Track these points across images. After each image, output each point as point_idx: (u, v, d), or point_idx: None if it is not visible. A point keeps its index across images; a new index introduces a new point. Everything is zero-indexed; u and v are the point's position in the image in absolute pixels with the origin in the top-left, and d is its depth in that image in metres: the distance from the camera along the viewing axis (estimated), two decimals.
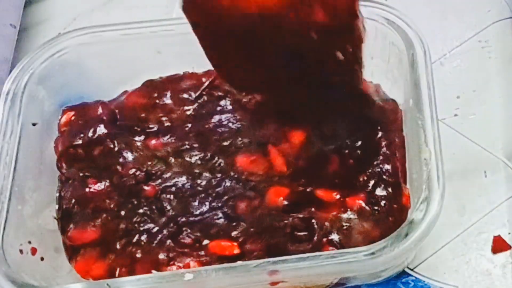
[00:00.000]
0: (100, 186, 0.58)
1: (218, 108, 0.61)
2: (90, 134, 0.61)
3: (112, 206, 0.58)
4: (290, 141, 0.59)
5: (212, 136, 0.60)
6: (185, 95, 0.62)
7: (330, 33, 0.53)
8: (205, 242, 0.56)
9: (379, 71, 0.61)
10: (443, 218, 0.51)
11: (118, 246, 0.56)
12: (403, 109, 0.60)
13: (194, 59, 0.61)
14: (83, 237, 0.57)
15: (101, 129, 0.61)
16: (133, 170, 0.59)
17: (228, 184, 0.58)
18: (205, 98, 0.62)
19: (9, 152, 0.56)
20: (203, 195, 0.57)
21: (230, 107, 0.61)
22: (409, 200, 0.56)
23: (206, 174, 0.58)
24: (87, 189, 0.58)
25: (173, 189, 0.58)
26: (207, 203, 0.57)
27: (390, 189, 0.56)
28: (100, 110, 0.62)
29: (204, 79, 0.62)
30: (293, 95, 0.58)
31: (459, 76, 0.66)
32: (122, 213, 0.57)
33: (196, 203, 0.57)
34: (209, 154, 0.59)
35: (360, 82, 0.57)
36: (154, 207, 0.57)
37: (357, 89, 0.58)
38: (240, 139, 0.59)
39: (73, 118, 0.62)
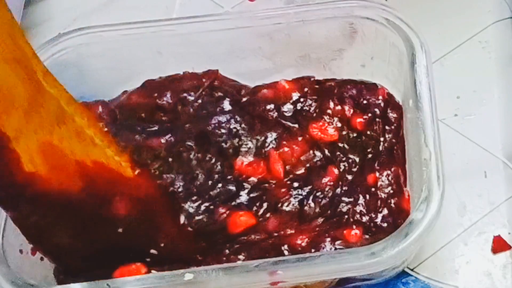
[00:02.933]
0: None
1: (218, 109, 0.61)
2: None
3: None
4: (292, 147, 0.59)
5: (212, 137, 0.60)
6: (185, 95, 0.62)
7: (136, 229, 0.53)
8: None
9: (379, 71, 0.61)
10: (443, 218, 0.51)
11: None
12: (403, 109, 0.60)
13: (194, 59, 0.61)
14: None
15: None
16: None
17: (222, 187, 0.58)
18: (205, 98, 0.62)
19: None
20: (196, 197, 0.57)
21: (230, 108, 0.61)
22: (409, 202, 0.56)
23: (203, 176, 0.58)
24: None
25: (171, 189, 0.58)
26: (201, 206, 0.57)
27: (391, 192, 0.57)
28: (100, 110, 0.62)
29: (204, 79, 0.62)
30: None
31: (459, 76, 0.66)
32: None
33: (188, 205, 0.57)
34: (208, 156, 0.59)
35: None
36: None
37: None
38: (239, 141, 0.59)
39: None
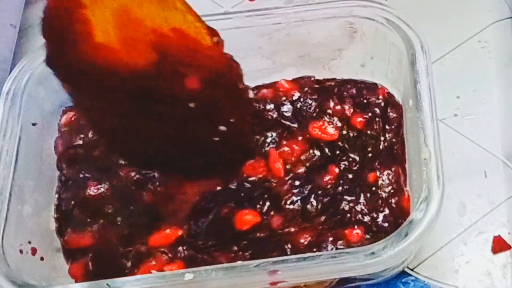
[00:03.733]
0: (100, 189, 0.58)
1: None
2: (90, 135, 0.61)
3: (110, 211, 0.58)
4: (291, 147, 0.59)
5: None
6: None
7: (207, 104, 0.51)
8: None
9: (379, 71, 0.61)
10: (443, 218, 0.51)
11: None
12: (403, 109, 0.60)
13: None
14: (79, 242, 0.57)
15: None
16: (133, 173, 0.59)
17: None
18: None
19: (9, 152, 0.56)
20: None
21: None
22: (409, 202, 0.56)
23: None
24: (87, 192, 0.58)
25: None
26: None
27: (391, 192, 0.57)
28: None
29: None
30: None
31: (459, 76, 0.66)
32: (119, 219, 0.57)
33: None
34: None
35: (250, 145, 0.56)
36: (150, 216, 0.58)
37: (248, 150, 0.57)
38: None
39: (73, 118, 0.62)
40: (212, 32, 0.49)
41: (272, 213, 0.57)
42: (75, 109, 0.53)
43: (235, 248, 0.55)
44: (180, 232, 0.56)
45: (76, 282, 0.56)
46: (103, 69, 0.48)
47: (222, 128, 0.52)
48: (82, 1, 0.45)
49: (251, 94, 0.54)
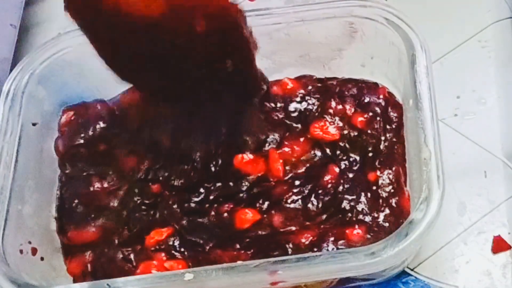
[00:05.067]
0: (104, 184, 0.59)
1: None
2: (90, 133, 0.61)
3: (115, 204, 0.58)
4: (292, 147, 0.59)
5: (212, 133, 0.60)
6: None
7: (214, 41, 0.53)
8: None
9: (379, 71, 0.61)
10: (443, 218, 0.51)
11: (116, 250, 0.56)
12: (403, 109, 0.60)
13: None
14: (82, 237, 0.57)
15: (101, 127, 0.61)
16: (135, 167, 0.59)
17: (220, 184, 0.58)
18: None
19: (9, 152, 0.56)
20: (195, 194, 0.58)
21: None
22: (409, 201, 0.56)
23: (202, 173, 0.58)
24: (91, 188, 0.58)
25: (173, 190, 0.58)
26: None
27: (392, 192, 0.57)
28: (100, 110, 0.62)
29: None
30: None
31: (459, 76, 0.66)
32: (124, 213, 0.57)
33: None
34: (211, 150, 0.59)
35: (256, 81, 0.59)
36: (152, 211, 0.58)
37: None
38: (240, 137, 0.59)
39: (73, 118, 0.62)
40: None
41: (272, 212, 0.57)
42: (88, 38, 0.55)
43: (237, 246, 0.55)
44: (182, 231, 0.56)
45: (74, 279, 0.56)
46: (118, 18, 0.51)
47: (229, 63, 0.54)
48: None
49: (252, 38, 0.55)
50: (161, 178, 0.59)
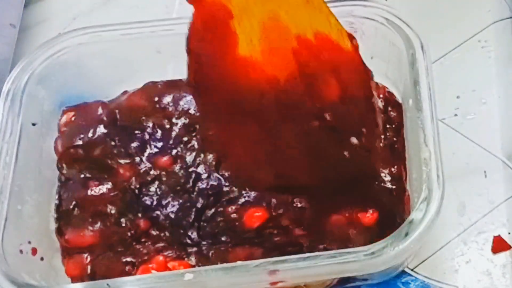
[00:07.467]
0: (101, 189, 0.58)
1: None
2: (90, 135, 0.61)
3: (113, 212, 0.58)
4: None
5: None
6: (186, 100, 0.61)
7: (344, 114, 0.48)
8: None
9: (379, 71, 0.61)
10: (443, 218, 0.51)
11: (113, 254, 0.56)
12: (403, 109, 0.60)
13: None
14: (80, 241, 0.57)
15: (101, 130, 0.61)
16: (134, 174, 0.59)
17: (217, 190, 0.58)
18: None
19: (9, 152, 0.56)
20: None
21: None
22: (409, 201, 0.56)
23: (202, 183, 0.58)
24: (88, 192, 0.58)
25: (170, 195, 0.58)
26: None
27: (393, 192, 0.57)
28: (100, 110, 0.62)
29: None
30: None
31: (459, 76, 0.66)
32: (122, 220, 0.57)
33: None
34: (210, 157, 0.59)
35: (374, 167, 0.53)
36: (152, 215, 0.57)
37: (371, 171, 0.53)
38: None
39: (73, 118, 0.62)
40: (350, 35, 0.48)
41: (281, 210, 0.56)
42: (208, 130, 0.51)
43: (247, 246, 0.55)
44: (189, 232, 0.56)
45: (72, 281, 0.56)
46: (243, 86, 0.46)
47: (354, 140, 0.50)
48: (232, 10, 0.43)
49: (379, 104, 0.51)
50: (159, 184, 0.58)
